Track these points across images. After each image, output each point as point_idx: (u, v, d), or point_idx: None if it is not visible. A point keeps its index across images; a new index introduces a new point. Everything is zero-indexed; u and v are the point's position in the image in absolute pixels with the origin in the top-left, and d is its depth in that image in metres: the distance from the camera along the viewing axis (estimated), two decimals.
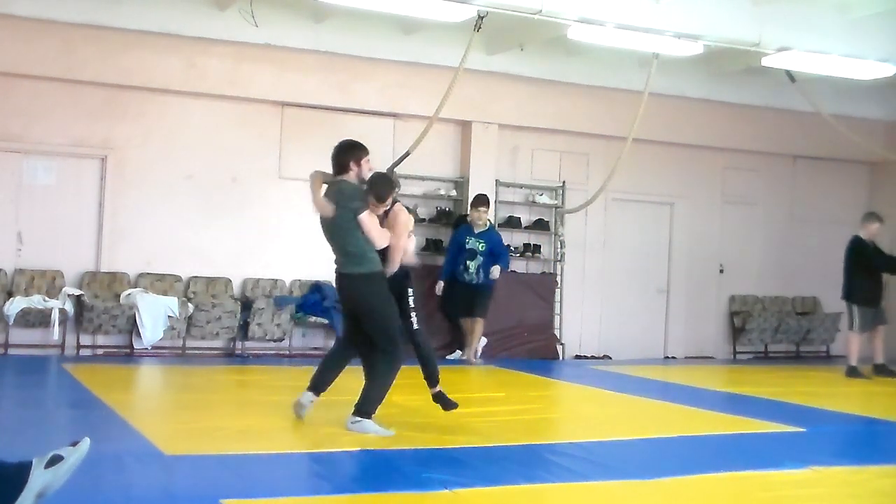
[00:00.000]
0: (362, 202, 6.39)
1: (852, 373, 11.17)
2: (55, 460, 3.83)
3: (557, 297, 12.63)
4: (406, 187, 11.96)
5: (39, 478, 3.77)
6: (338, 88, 11.60)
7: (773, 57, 10.52)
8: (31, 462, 3.82)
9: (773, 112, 13.51)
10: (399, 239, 6.60)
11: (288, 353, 11.33)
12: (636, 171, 12.81)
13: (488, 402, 8.14)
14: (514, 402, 8.28)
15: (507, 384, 9.64)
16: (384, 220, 6.62)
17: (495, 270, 11.17)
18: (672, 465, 5.79)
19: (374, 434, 6.19)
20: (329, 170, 6.55)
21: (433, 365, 6.93)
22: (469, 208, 11.52)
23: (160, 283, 10.90)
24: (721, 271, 13.99)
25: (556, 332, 12.54)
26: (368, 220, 6.40)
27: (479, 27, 9.68)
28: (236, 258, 11.34)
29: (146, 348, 10.49)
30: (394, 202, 6.73)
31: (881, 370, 11.38)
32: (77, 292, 10.41)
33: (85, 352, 10.54)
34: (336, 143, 6.66)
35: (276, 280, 11.49)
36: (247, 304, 10.96)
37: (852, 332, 11.35)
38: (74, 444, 3.93)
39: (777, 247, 14.32)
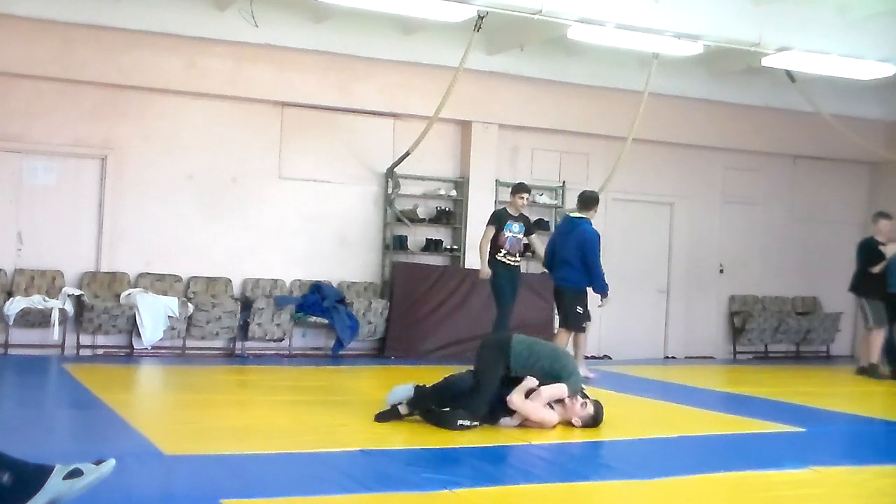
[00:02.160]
0: None
1: (873, 371, 11.12)
2: (75, 473, 3.87)
3: None
4: (406, 187, 12.00)
5: (56, 486, 3.81)
6: (338, 88, 11.60)
7: (773, 57, 10.53)
8: (53, 468, 3.86)
9: (773, 112, 13.51)
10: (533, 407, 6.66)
11: (288, 353, 11.33)
12: (636, 171, 12.82)
13: None
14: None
15: None
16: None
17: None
18: (672, 465, 5.79)
19: None
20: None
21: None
22: (588, 206, 9.99)
23: (160, 283, 10.90)
24: (721, 271, 13.98)
25: (556, 332, 12.53)
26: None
27: (479, 27, 9.69)
28: (236, 258, 11.34)
29: (146, 348, 10.49)
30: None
31: (871, 371, 11.33)
32: (77, 292, 10.41)
33: (85, 352, 10.54)
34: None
35: (276, 280, 11.48)
36: (247, 304, 10.96)
37: (871, 330, 11.30)
38: (99, 462, 3.97)
39: (777, 247, 14.31)
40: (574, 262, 9.75)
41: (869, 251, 11.44)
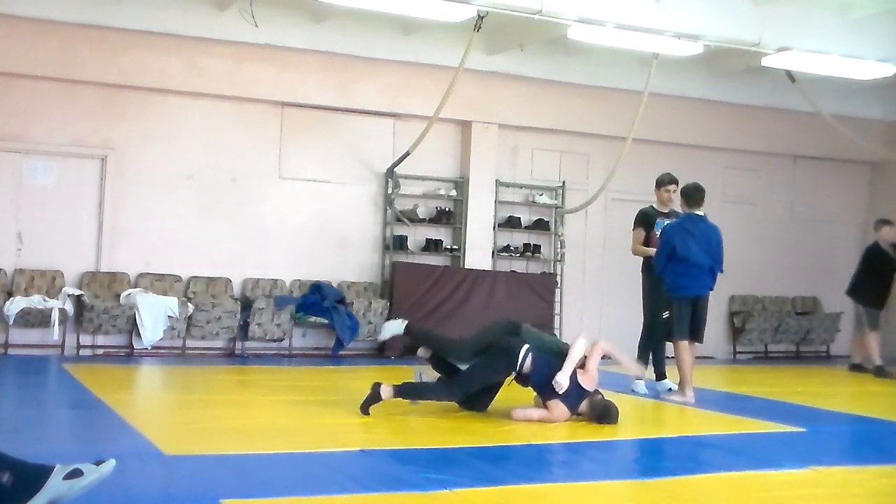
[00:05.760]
0: None
1: (880, 372, 11.45)
2: (75, 474, 3.87)
3: (557, 297, 12.62)
4: (406, 187, 12.00)
5: (56, 487, 3.82)
6: (338, 88, 11.60)
7: (773, 57, 10.53)
8: (54, 468, 3.86)
9: (773, 112, 13.51)
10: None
11: (288, 353, 11.33)
12: (636, 171, 12.78)
13: None
14: (514, 401, 8.26)
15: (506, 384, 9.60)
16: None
17: None
18: (672, 465, 5.79)
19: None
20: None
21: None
22: (703, 200, 8.66)
23: (160, 283, 10.90)
24: (721, 271, 13.93)
25: (556, 332, 12.52)
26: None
27: (479, 27, 9.68)
28: (236, 258, 11.34)
29: (146, 348, 10.49)
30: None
31: (858, 368, 11.95)
32: (77, 292, 10.41)
33: (85, 352, 10.54)
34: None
35: (276, 280, 11.49)
36: (247, 304, 10.96)
37: (867, 333, 11.66)
38: (99, 462, 3.97)
39: (777, 247, 14.31)
40: (716, 267, 8.72)
41: (880, 258, 11.74)
